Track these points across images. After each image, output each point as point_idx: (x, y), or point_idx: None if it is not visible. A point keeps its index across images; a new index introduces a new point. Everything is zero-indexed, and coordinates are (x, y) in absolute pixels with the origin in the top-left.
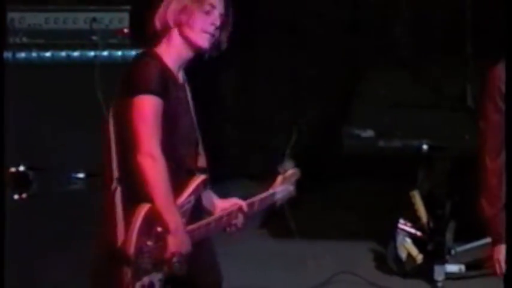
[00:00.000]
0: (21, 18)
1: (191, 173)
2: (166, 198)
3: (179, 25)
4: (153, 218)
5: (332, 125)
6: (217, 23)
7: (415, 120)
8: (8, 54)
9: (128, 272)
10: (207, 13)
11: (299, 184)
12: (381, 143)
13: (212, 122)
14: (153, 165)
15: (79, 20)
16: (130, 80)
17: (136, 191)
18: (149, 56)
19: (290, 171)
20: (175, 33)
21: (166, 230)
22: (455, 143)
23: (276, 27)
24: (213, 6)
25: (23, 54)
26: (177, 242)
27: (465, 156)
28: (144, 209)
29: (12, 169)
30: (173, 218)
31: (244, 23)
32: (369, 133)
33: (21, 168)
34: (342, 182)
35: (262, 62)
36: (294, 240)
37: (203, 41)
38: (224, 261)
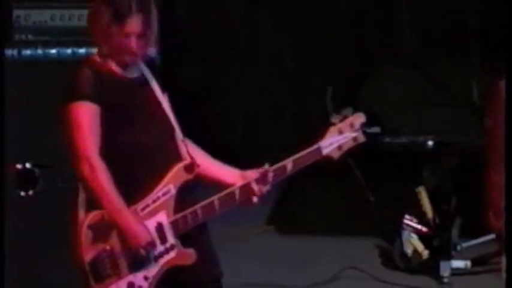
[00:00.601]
0: (27, 16)
1: (170, 163)
2: (110, 200)
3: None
4: (104, 223)
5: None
6: (139, 21)
7: (420, 116)
8: (13, 52)
9: (90, 280)
10: (127, 36)
11: (304, 178)
12: (387, 139)
13: (222, 121)
14: (91, 170)
15: (84, 17)
16: (67, 88)
17: (91, 197)
18: (84, 63)
19: (350, 118)
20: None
21: (117, 229)
22: (461, 139)
23: (281, 26)
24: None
25: (28, 52)
26: (133, 239)
27: (471, 152)
28: (88, 217)
29: (19, 166)
30: (121, 217)
31: (248, 24)
32: (374, 129)
33: (28, 165)
34: (347, 178)
35: (269, 60)
36: (301, 237)
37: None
38: (232, 257)
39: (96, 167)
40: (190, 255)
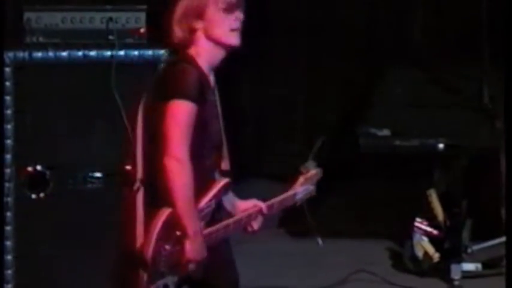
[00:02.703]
0: (38, 18)
1: (214, 176)
2: (188, 204)
3: (203, 29)
4: (173, 223)
5: (348, 124)
6: (241, 16)
7: (431, 119)
8: (24, 54)
9: (144, 276)
10: (227, 10)
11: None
12: (397, 142)
13: (227, 123)
14: (179, 170)
15: (96, 19)
16: (167, 84)
17: (158, 193)
18: (185, 60)
19: (312, 171)
20: (201, 37)
21: (184, 235)
22: (472, 142)
23: (291, 27)
24: (228, 2)
25: (39, 54)
26: (194, 249)
27: (481, 154)
28: (164, 213)
29: (29, 168)
30: (193, 224)
31: (259, 24)
32: (385, 132)
33: (38, 167)
34: (358, 181)
35: (277, 61)
36: (311, 239)
37: (234, 39)
38: (242, 260)
39: (185, 167)
40: (199, 272)
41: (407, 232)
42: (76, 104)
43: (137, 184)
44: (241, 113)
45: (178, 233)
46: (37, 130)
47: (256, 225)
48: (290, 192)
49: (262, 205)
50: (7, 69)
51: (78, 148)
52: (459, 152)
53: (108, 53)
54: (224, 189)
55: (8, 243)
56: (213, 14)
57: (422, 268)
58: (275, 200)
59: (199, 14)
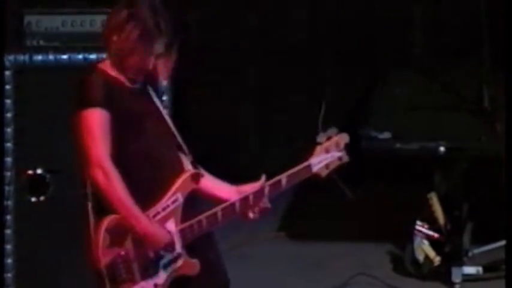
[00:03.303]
0: (38, 22)
1: (176, 172)
2: (125, 204)
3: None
4: (122, 227)
5: (349, 126)
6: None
7: (432, 122)
8: (25, 57)
9: (106, 284)
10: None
11: (315, 184)
12: (398, 145)
13: (228, 125)
14: (104, 175)
15: (96, 22)
16: (76, 96)
17: (102, 203)
18: (92, 70)
19: (335, 138)
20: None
21: (136, 234)
22: (472, 145)
23: (291, 27)
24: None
25: (40, 57)
26: (152, 240)
27: (482, 157)
28: (106, 220)
29: (30, 172)
30: (137, 221)
31: (259, 25)
32: (386, 135)
33: (39, 171)
34: (358, 184)
35: (277, 61)
36: (312, 242)
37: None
38: (243, 263)
39: (110, 173)
40: (195, 266)
41: (408, 235)
42: (75, 109)
43: (86, 195)
44: (241, 115)
45: (129, 235)
46: (37, 133)
47: (262, 205)
48: (303, 165)
49: (263, 184)
50: (7, 73)
51: (76, 151)
52: (460, 155)
53: None
54: (190, 182)
55: (8, 246)
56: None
57: (423, 272)
58: (282, 176)
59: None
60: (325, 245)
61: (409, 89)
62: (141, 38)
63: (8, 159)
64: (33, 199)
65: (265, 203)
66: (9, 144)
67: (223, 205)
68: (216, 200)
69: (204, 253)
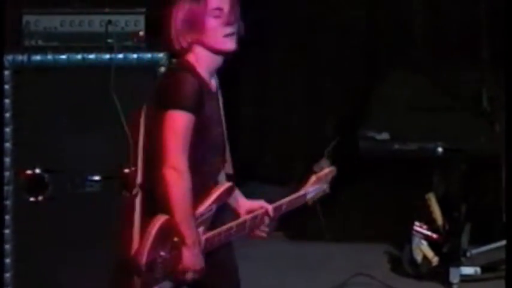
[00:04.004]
0: (37, 21)
1: (217, 180)
2: (186, 213)
3: (198, 40)
4: (170, 230)
5: (347, 127)
6: (232, 20)
7: (430, 122)
8: (23, 57)
9: (138, 283)
10: (217, 17)
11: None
12: (397, 146)
13: (227, 126)
14: (178, 180)
15: (94, 22)
16: (166, 93)
17: (156, 200)
18: (184, 68)
19: (326, 170)
20: (198, 46)
21: (182, 243)
22: (471, 146)
23: (291, 28)
24: (219, 9)
25: (38, 57)
26: (192, 257)
27: (480, 158)
28: (160, 220)
29: (28, 172)
30: (191, 234)
31: (258, 23)
32: (384, 136)
33: (37, 170)
34: (356, 185)
35: (277, 62)
36: (310, 243)
37: (229, 44)
38: (240, 263)
39: (184, 178)
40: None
41: (407, 236)
42: (75, 107)
43: (136, 189)
44: (242, 116)
45: (176, 239)
46: (36, 133)
47: (264, 228)
48: (300, 193)
49: (269, 207)
50: (6, 73)
51: (76, 151)
52: (458, 156)
53: (107, 56)
54: (226, 193)
55: (7, 246)
56: (206, 23)
57: (421, 272)
58: (283, 201)
59: (194, 25)
60: (323, 245)
61: (408, 89)
62: (217, 17)
63: (7, 159)
64: (32, 199)
65: (267, 225)
66: (7, 144)
67: (238, 222)
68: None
69: (220, 256)
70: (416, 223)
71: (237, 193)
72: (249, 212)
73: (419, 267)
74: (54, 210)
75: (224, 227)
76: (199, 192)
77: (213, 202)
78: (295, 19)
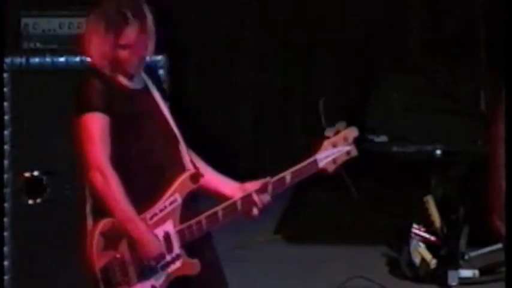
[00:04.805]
0: (35, 24)
1: (176, 172)
2: (123, 209)
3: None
4: (116, 231)
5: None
6: (141, 51)
7: (428, 125)
8: (22, 60)
9: (101, 287)
10: (127, 48)
11: (311, 187)
12: (395, 148)
13: (227, 128)
14: (102, 179)
15: None
16: (74, 99)
17: (100, 206)
18: (90, 73)
19: (343, 132)
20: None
21: (131, 239)
22: (469, 148)
23: (290, 32)
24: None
25: (36, 60)
26: (145, 249)
27: (478, 161)
28: (100, 224)
29: (27, 174)
30: (134, 226)
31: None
32: (382, 138)
33: (35, 173)
34: (355, 187)
35: (275, 63)
36: (308, 245)
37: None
38: (238, 266)
39: (108, 177)
40: (195, 265)
41: (405, 238)
42: (75, 113)
43: (85, 197)
44: (240, 118)
45: (125, 238)
46: (34, 136)
47: (262, 202)
48: (309, 160)
49: (263, 181)
50: (4, 75)
51: (75, 154)
52: (456, 158)
53: None
54: (190, 182)
55: (6, 248)
56: (118, 54)
57: (419, 274)
58: (286, 172)
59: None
60: (321, 247)
61: (406, 92)
62: (107, 32)
63: (5, 162)
64: (30, 201)
65: (267, 199)
66: (6, 147)
67: (224, 204)
68: (219, 197)
69: (202, 254)
70: (415, 225)
71: (223, 178)
72: (240, 193)
73: (417, 269)
74: (52, 213)
75: (206, 214)
76: (155, 186)
77: (174, 192)
78: (294, 20)
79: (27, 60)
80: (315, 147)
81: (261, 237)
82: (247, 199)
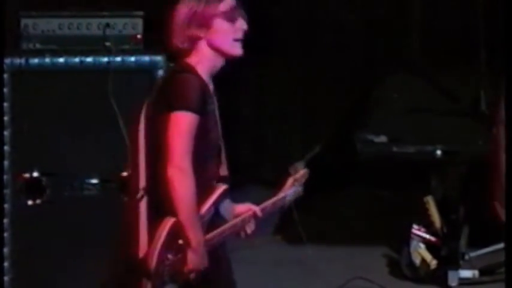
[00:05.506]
0: (35, 25)
1: (214, 182)
2: (192, 214)
3: (206, 38)
4: (177, 232)
5: (345, 130)
6: (244, 26)
7: (428, 125)
8: (21, 60)
9: (148, 285)
10: (231, 20)
11: (312, 188)
12: (395, 148)
13: (226, 129)
14: (183, 180)
15: (92, 26)
16: (170, 94)
17: (162, 202)
18: (187, 70)
19: (301, 172)
20: (204, 45)
21: (187, 245)
22: (469, 148)
23: (289, 32)
24: (232, 12)
25: (36, 60)
26: (197, 259)
27: (479, 161)
28: (169, 222)
29: (26, 175)
30: (196, 235)
31: (258, 26)
32: (382, 138)
33: (35, 174)
34: (355, 187)
35: (275, 66)
36: (308, 246)
37: (237, 49)
38: (238, 267)
39: (187, 176)
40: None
41: (405, 239)
42: (73, 110)
43: (140, 193)
44: (240, 119)
45: (180, 241)
46: (34, 136)
47: (249, 229)
48: (281, 195)
49: (256, 208)
50: (4, 76)
51: (74, 154)
52: (456, 158)
53: (105, 59)
54: (223, 195)
55: (5, 249)
56: (218, 23)
57: (419, 275)
58: (267, 203)
59: (202, 22)
60: (321, 248)
61: (406, 92)
62: (230, 20)
63: (5, 163)
64: (30, 202)
65: (252, 228)
66: (6, 147)
67: (231, 223)
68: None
69: (219, 263)
70: (415, 226)
71: (226, 199)
72: (236, 214)
73: (417, 270)
74: (52, 214)
75: (220, 229)
76: (200, 194)
77: (213, 204)
78: (293, 21)
79: (27, 60)
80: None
81: (261, 239)
82: (244, 222)
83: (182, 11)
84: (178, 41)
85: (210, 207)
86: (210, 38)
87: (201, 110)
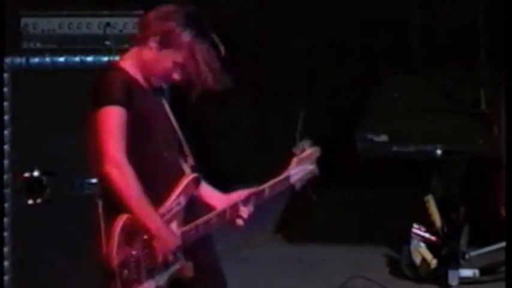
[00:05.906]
0: (35, 24)
1: (180, 174)
2: (140, 203)
3: (161, 44)
4: (134, 227)
5: (346, 129)
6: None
7: (429, 125)
8: (21, 60)
9: (117, 284)
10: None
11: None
12: (395, 148)
13: (226, 130)
14: (120, 173)
15: (92, 25)
16: (94, 93)
17: (114, 201)
18: (112, 69)
19: (308, 151)
20: (151, 47)
21: (149, 235)
22: (469, 148)
23: (289, 32)
24: (183, 64)
25: (36, 60)
26: (163, 244)
27: (479, 160)
28: (121, 219)
29: (26, 174)
30: (152, 222)
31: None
32: (382, 138)
33: (35, 173)
34: (355, 187)
35: (274, 64)
36: (309, 245)
37: (176, 76)
38: (238, 266)
39: (125, 171)
40: (190, 268)
41: (405, 238)
42: (73, 110)
43: (96, 196)
44: (240, 119)
45: (145, 237)
46: (34, 136)
47: (246, 213)
48: (282, 176)
49: (247, 193)
50: (4, 75)
51: (74, 154)
52: (457, 158)
53: (105, 58)
54: (192, 185)
55: (5, 249)
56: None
57: (419, 274)
58: (265, 186)
59: (168, 44)
60: (321, 247)
61: (406, 91)
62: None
63: (5, 162)
64: (30, 201)
65: (251, 209)
66: (6, 147)
67: (217, 211)
68: (206, 207)
69: (201, 256)
70: (415, 225)
71: (210, 188)
72: (226, 203)
73: (418, 269)
74: (52, 213)
75: (202, 219)
76: (163, 187)
77: (180, 194)
78: (293, 21)
79: (27, 60)
80: (286, 163)
81: (261, 237)
82: (234, 209)
83: (164, 18)
84: (140, 27)
85: (176, 199)
86: (164, 46)
87: (126, 102)
